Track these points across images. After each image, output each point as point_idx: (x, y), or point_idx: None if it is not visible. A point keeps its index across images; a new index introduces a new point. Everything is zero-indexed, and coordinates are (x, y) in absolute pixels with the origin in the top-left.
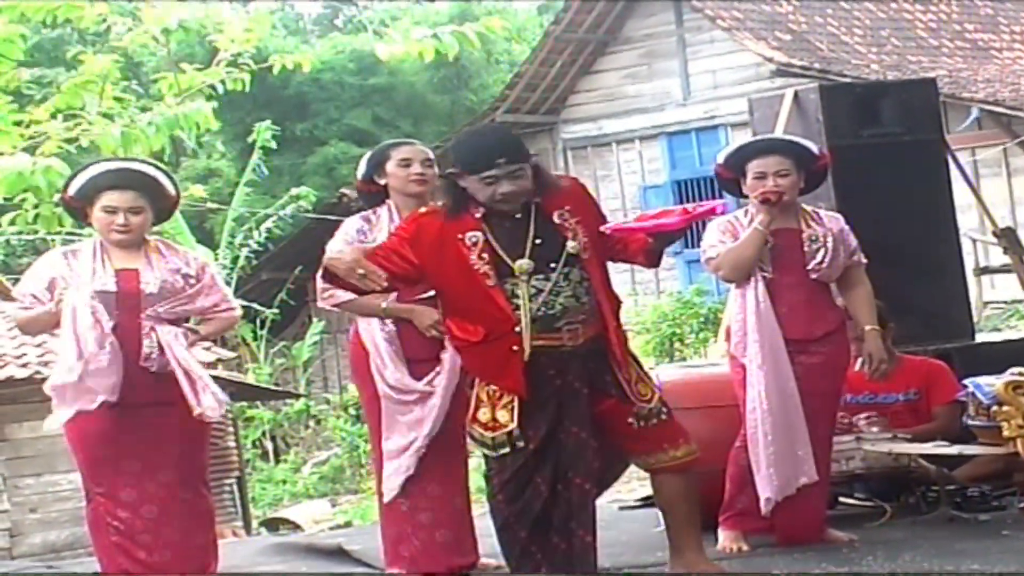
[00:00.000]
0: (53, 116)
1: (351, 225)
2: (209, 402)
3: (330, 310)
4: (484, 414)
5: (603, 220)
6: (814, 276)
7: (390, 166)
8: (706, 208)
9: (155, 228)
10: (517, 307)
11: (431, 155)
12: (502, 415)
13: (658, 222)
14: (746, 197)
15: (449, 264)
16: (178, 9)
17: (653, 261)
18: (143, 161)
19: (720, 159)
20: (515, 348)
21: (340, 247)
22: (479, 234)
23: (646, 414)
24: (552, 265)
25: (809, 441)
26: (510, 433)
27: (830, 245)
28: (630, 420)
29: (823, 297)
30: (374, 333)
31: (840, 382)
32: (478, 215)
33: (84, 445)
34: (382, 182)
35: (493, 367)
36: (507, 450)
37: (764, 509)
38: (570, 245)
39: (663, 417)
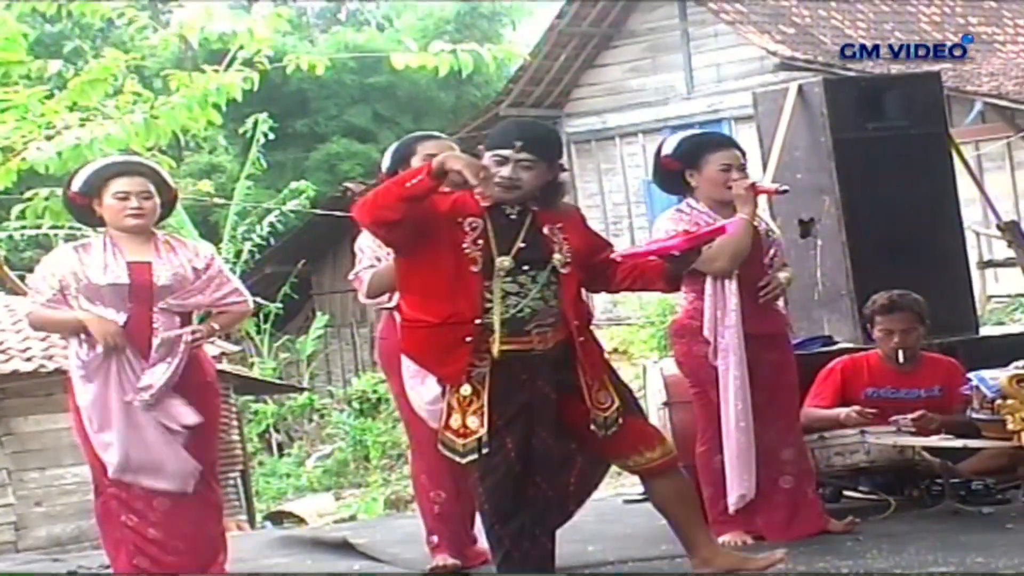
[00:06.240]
0: (70, 111)
1: None
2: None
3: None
4: (455, 420)
5: (601, 248)
6: (770, 271)
7: (415, 161)
8: (711, 229)
9: (160, 224)
10: (488, 303)
11: (457, 150)
12: (472, 421)
13: (664, 244)
14: (681, 191)
15: (443, 241)
16: (217, 18)
17: (674, 285)
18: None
19: (669, 149)
20: (468, 339)
21: (366, 243)
22: (480, 221)
23: (602, 422)
24: (525, 267)
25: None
26: (479, 439)
27: (780, 241)
28: (592, 427)
29: None
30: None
31: (796, 374)
32: (484, 203)
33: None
34: None
35: (437, 352)
36: (474, 457)
37: (736, 506)
38: (555, 258)
39: (620, 424)
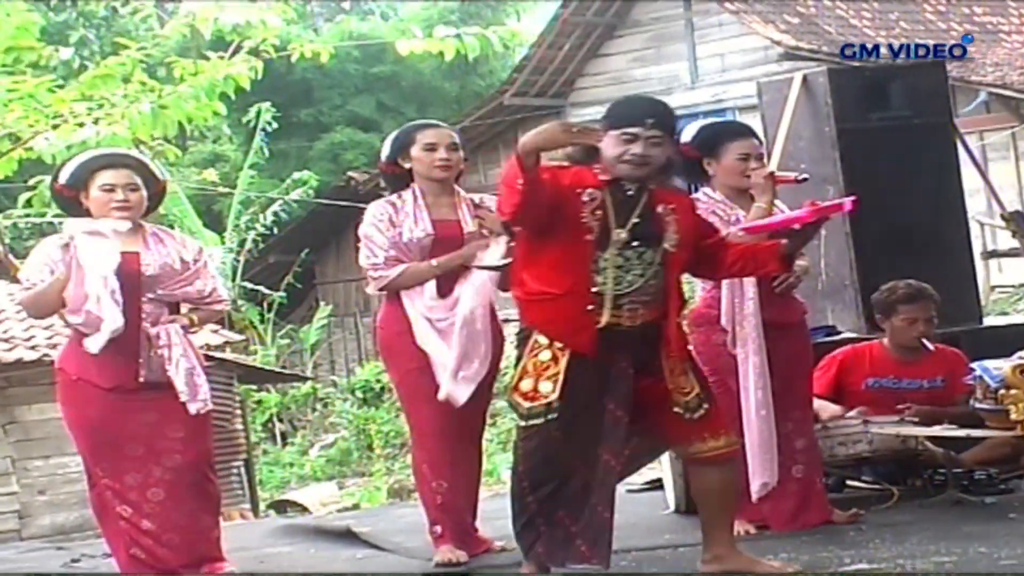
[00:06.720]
0: (77, 101)
1: (379, 209)
2: (198, 403)
3: (343, 288)
4: (527, 384)
5: (710, 234)
6: None
7: (415, 150)
8: (833, 204)
9: (156, 214)
10: (594, 274)
11: (457, 139)
12: (544, 386)
13: (789, 216)
14: (697, 179)
15: (565, 213)
16: (228, 9)
17: (786, 265)
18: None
19: (688, 137)
20: (590, 308)
21: (372, 232)
22: (599, 194)
23: (685, 405)
24: (635, 243)
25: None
26: (548, 404)
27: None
28: (676, 410)
29: None
30: (416, 309)
31: (811, 364)
32: (603, 177)
33: (84, 431)
34: (406, 165)
35: (566, 323)
36: (540, 421)
37: (759, 494)
38: (667, 237)
39: (706, 408)
